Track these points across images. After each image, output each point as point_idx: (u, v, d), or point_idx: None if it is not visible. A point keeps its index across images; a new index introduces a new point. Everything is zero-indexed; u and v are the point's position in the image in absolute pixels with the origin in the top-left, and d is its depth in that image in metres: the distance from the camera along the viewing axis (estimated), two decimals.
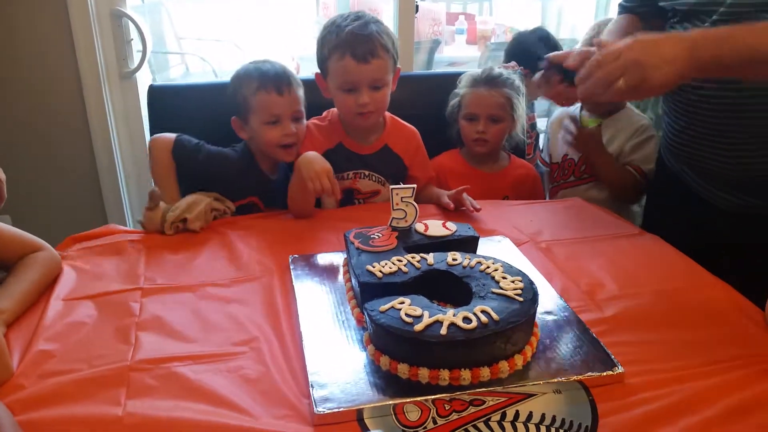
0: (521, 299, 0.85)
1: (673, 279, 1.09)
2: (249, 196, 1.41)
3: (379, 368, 0.82)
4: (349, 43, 1.29)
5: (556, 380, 0.80)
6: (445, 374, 0.79)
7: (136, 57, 2.01)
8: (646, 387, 0.80)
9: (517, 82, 1.58)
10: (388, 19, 2.22)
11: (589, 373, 0.81)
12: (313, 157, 1.26)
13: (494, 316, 0.80)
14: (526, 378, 0.81)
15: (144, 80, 2.07)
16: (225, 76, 1.63)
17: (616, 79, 0.94)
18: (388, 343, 0.82)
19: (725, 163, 1.18)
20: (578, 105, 1.72)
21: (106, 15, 1.91)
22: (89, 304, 0.98)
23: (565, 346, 0.88)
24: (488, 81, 1.56)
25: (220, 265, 1.13)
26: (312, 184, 1.22)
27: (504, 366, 0.81)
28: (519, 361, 0.82)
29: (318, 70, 1.41)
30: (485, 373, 0.80)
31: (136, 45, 1.99)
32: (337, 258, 1.13)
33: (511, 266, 0.94)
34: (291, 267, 1.09)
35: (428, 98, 1.73)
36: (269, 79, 1.35)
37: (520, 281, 0.89)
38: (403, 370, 0.80)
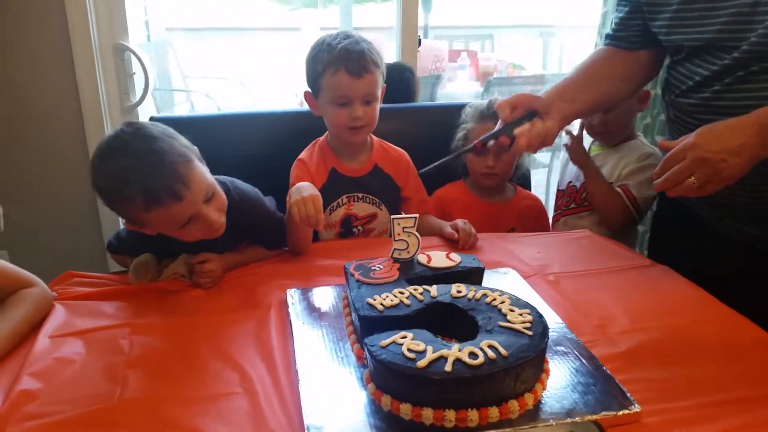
0: (530, 333, 0.80)
1: (687, 312, 1.04)
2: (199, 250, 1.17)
3: (380, 408, 0.77)
4: (343, 58, 1.32)
5: (569, 420, 0.75)
6: (450, 415, 0.73)
7: (139, 91, 2.01)
8: (664, 427, 0.75)
9: None
10: (390, 52, 2.22)
11: (605, 413, 0.76)
12: (302, 185, 1.23)
13: (502, 351, 0.76)
14: (538, 419, 0.76)
15: (148, 116, 2.06)
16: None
17: (686, 178, 0.94)
18: (390, 381, 0.77)
19: (738, 193, 1.14)
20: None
21: (109, 49, 1.91)
22: (77, 341, 0.94)
23: (578, 383, 0.83)
24: (496, 116, 1.53)
25: (213, 300, 1.09)
26: (296, 209, 1.17)
27: (514, 406, 0.76)
28: (529, 400, 0.77)
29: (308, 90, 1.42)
30: (494, 413, 0.74)
31: (140, 79, 2.00)
32: (336, 292, 1.08)
33: (519, 299, 0.90)
34: (288, 301, 1.05)
35: (431, 130, 1.71)
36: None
37: (529, 314, 0.85)
38: (405, 410, 0.75)
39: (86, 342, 0.94)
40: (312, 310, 1.02)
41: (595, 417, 0.76)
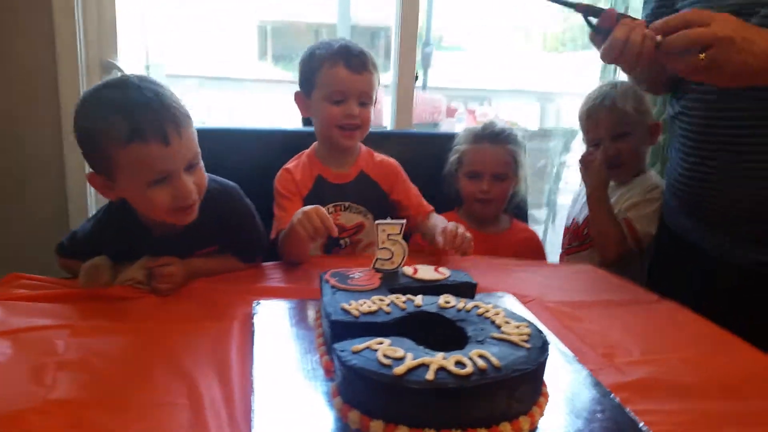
0: (528, 345, 0.69)
1: (701, 345, 0.93)
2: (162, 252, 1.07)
3: (348, 427, 0.65)
4: (342, 54, 1.28)
5: None
6: None
7: None
8: None
9: (520, 137, 1.48)
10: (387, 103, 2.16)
11: None
12: (302, 208, 1.13)
13: (495, 361, 0.64)
14: None
15: None
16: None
17: (699, 47, 0.86)
18: (360, 393, 0.65)
19: (737, 205, 1.09)
20: None
21: (96, 65, 1.85)
22: (5, 341, 0.81)
23: (582, 410, 0.70)
24: (492, 137, 1.47)
25: (169, 306, 0.97)
26: (302, 230, 1.08)
27: (507, 429, 0.63)
28: (525, 424, 0.65)
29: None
30: None
31: None
32: (311, 305, 0.96)
33: (515, 313, 0.79)
34: (254, 313, 0.93)
35: (423, 159, 1.63)
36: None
37: (527, 327, 0.73)
38: (377, 428, 0.62)
39: (16, 341, 0.81)
40: (280, 322, 0.90)
41: None
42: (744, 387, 0.80)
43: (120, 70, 1.88)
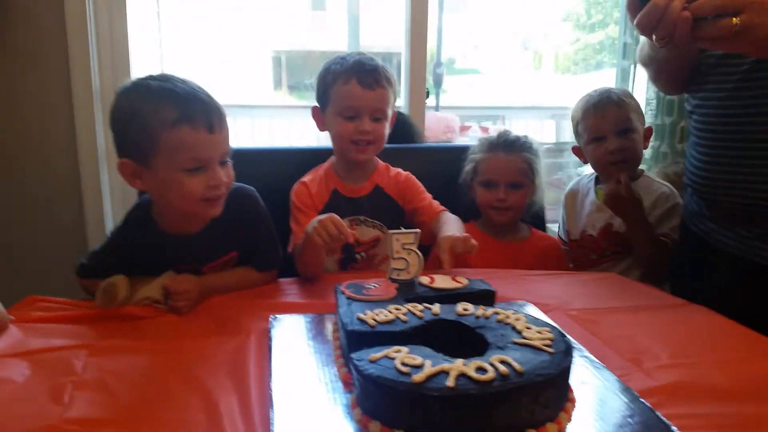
0: (551, 350, 0.66)
1: (735, 349, 0.89)
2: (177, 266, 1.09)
3: None
4: (356, 70, 1.28)
5: None
6: None
7: None
8: None
9: (536, 145, 1.47)
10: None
11: None
12: (317, 218, 1.13)
13: (517, 366, 0.62)
14: None
15: None
16: None
17: (731, 10, 0.84)
18: (379, 403, 0.63)
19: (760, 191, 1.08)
20: (593, 176, 1.59)
21: (110, 90, 1.87)
22: (23, 362, 0.81)
23: (612, 415, 0.68)
24: (507, 145, 1.46)
25: (187, 324, 0.96)
26: (318, 238, 1.07)
27: None
28: (552, 430, 0.62)
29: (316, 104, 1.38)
30: None
31: None
32: (327, 318, 0.95)
33: (537, 318, 0.76)
34: (271, 327, 0.91)
35: (438, 170, 1.62)
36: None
37: (549, 332, 0.71)
38: None
39: (34, 362, 0.81)
40: (297, 335, 0.89)
41: None
42: None
43: None
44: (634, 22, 0.92)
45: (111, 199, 1.93)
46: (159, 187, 1.03)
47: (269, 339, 0.87)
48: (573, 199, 1.62)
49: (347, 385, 0.74)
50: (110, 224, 1.92)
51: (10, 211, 1.86)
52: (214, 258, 1.12)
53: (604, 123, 1.49)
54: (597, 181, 1.58)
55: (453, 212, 1.41)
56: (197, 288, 1.02)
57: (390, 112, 1.35)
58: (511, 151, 1.46)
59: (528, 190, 1.46)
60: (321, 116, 1.37)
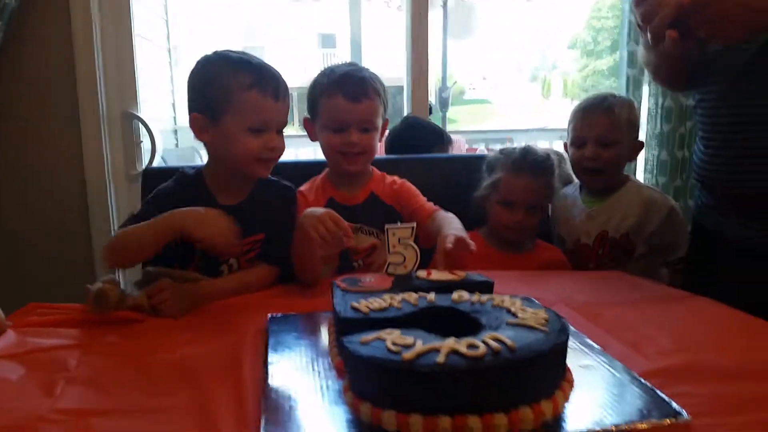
0: (546, 329, 0.65)
1: (737, 335, 0.88)
2: None
3: (360, 421, 0.62)
4: (341, 83, 1.28)
5: (600, 429, 0.58)
6: (445, 422, 0.57)
7: (146, 161, 1.99)
8: None
9: (556, 164, 1.46)
10: None
11: (649, 421, 0.59)
12: (313, 209, 1.13)
13: (509, 343, 0.60)
14: (559, 430, 0.60)
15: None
16: None
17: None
18: (370, 384, 0.62)
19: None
20: (577, 185, 1.58)
21: (117, 116, 1.91)
22: (18, 362, 0.80)
23: (610, 394, 0.66)
24: (533, 168, 1.43)
25: (183, 324, 0.96)
26: (314, 233, 1.06)
27: (527, 414, 0.59)
28: (547, 408, 0.61)
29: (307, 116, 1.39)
30: (501, 421, 0.58)
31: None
32: (324, 317, 0.94)
33: (533, 301, 0.75)
34: (268, 325, 0.91)
35: (446, 181, 1.62)
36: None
37: (544, 313, 0.70)
38: (389, 419, 0.59)
39: (28, 362, 0.80)
40: (294, 331, 0.88)
41: (635, 425, 0.59)
42: None
43: (142, 120, 1.94)
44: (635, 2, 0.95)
45: (118, 219, 1.94)
46: (223, 142, 1.15)
47: (266, 336, 0.87)
48: (562, 209, 1.60)
49: (340, 373, 0.73)
50: None
51: (18, 223, 1.88)
52: (246, 234, 1.15)
53: (589, 130, 1.48)
54: (581, 190, 1.57)
55: (463, 222, 1.40)
56: (180, 294, 1.02)
57: (380, 122, 1.34)
58: (536, 175, 1.44)
59: (545, 209, 1.46)
60: (312, 127, 1.38)
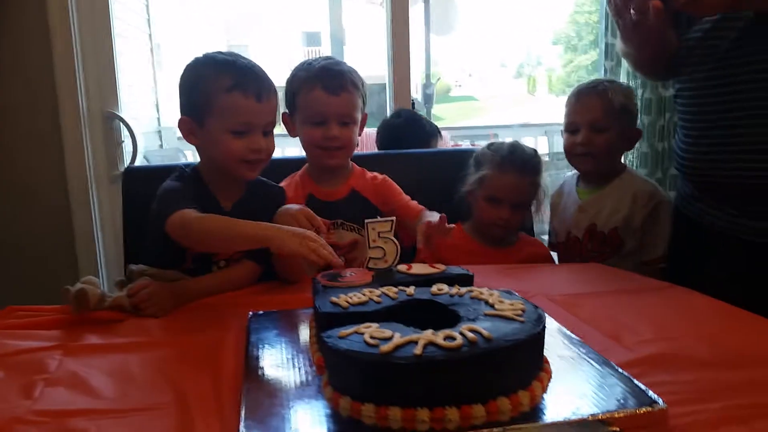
0: (522, 319, 0.66)
1: (715, 324, 0.90)
2: None
3: (339, 416, 0.62)
4: (320, 76, 1.28)
5: (578, 419, 0.59)
6: (423, 415, 0.58)
7: (128, 160, 1.97)
8: (696, 428, 0.60)
9: (542, 161, 1.47)
10: None
11: (625, 410, 0.60)
12: (288, 207, 1.14)
13: (485, 333, 0.61)
14: (537, 421, 0.60)
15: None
16: None
17: None
18: (349, 378, 0.62)
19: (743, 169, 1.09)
20: (575, 174, 1.58)
21: (98, 117, 1.90)
22: None
23: (587, 384, 0.67)
24: (520, 166, 1.43)
25: (163, 323, 0.96)
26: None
27: (504, 404, 0.60)
28: (525, 398, 0.61)
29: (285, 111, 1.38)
30: (479, 412, 0.58)
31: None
32: (305, 314, 0.94)
33: (512, 293, 0.76)
34: (249, 322, 0.90)
35: (432, 176, 1.62)
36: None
37: (521, 304, 0.70)
38: (368, 412, 0.59)
39: (6, 364, 0.80)
40: (274, 328, 0.88)
41: (610, 414, 0.59)
42: (759, 358, 0.76)
43: (123, 120, 1.93)
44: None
45: (100, 218, 1.93)
46: (208, 144, 1.15)
47: (247, 334, 0.86)
48: (558, 200, 1.61)
49: (320, 369, 0.73)
50: (100, 247, 1.92)
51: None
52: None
53: (582, 114, 1.47)
54: (578, 180, 1.57)
55: (449, 216, 1.40)
56: (162, 292, 1.02)
57: (359, 116, 1.34)
58: (523, 174, 1.43)
59: (530, 206, 1.46)
60: (291, 122, 1.37)
